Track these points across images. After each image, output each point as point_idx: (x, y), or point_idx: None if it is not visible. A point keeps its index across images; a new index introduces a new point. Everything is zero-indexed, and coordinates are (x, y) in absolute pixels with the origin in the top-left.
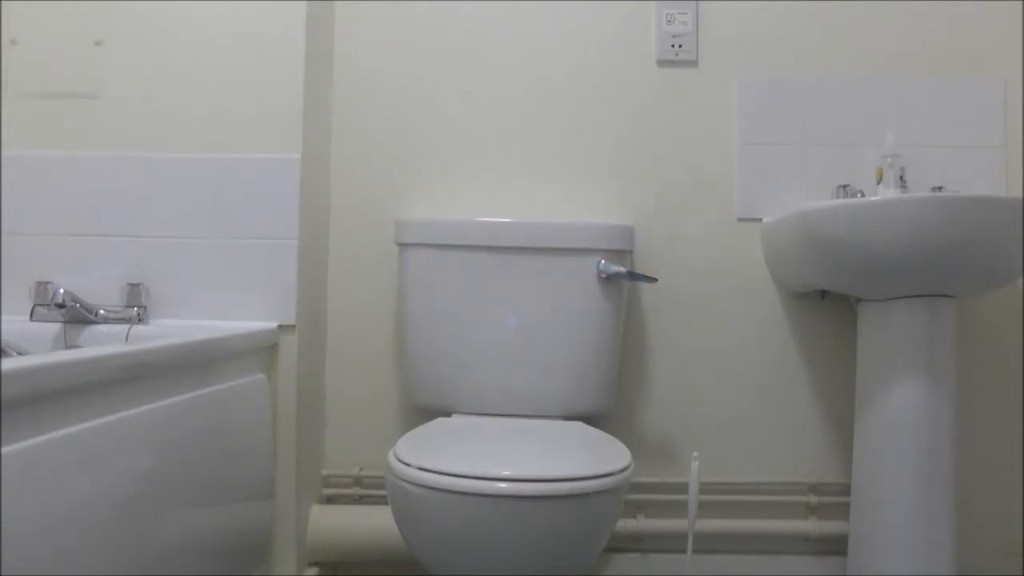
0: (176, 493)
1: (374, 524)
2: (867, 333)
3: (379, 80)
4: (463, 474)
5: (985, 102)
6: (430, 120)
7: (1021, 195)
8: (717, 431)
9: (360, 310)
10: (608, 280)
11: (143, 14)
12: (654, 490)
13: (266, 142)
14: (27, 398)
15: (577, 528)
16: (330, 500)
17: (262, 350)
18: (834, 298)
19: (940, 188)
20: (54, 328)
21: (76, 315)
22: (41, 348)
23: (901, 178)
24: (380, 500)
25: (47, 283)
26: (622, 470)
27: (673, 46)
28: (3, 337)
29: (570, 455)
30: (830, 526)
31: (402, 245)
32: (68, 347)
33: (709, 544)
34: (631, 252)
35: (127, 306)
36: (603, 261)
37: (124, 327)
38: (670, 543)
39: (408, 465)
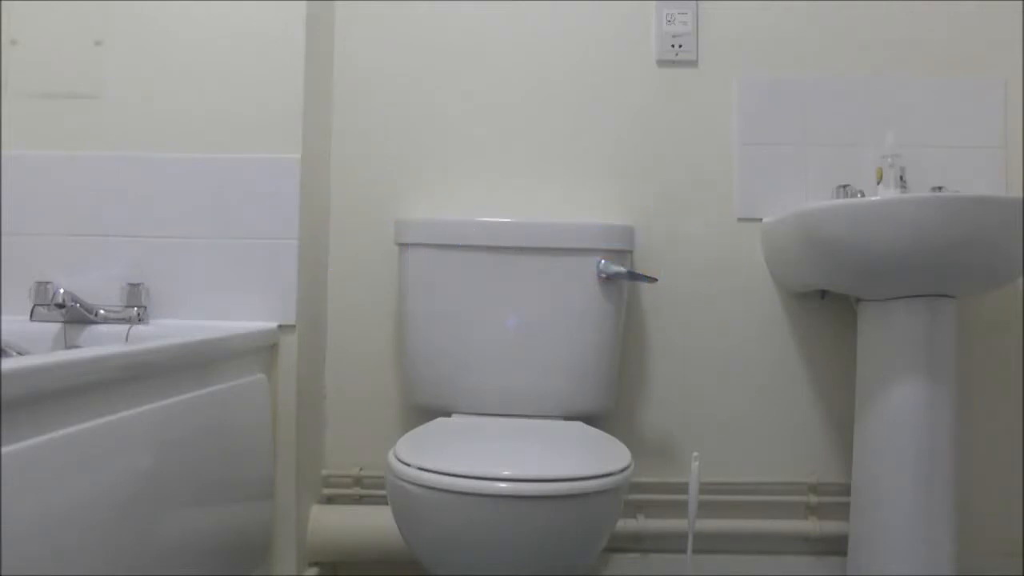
0: (176, 493)
1: (374, 524)
2: (867, 333)
3: (379, 80)
4: (463, 474)
5: (985, 102)
6: (430, 120)
7: (1021, 195)
8: (717, 431)
9: (360, 310)
10: (608, 280)
11: (143, 14)
12: (654, 490)
13: (266, 142)
14: (27, 398)
15: (577, 528)
16: (330, 500)
17: (262, 350)
18: (834, 298)
19: (940, 188)
20: (54, 328)
21: (76, 315)
22: (41, 348)
23: (901, 178)
24: (380, 500)
25: (47, 283)
26: (622, 470)
27: (673, 46)
28: (3, 337)
29: (570, 455)
30: (830, 526)
31: (402, 245)
32: (68, 347)
33: (709, 544)
34: (631, 252)
35: (127, 306)
36: (603, 261)
37: (124, 327)
38: (670, 543)
39: (408, 465)
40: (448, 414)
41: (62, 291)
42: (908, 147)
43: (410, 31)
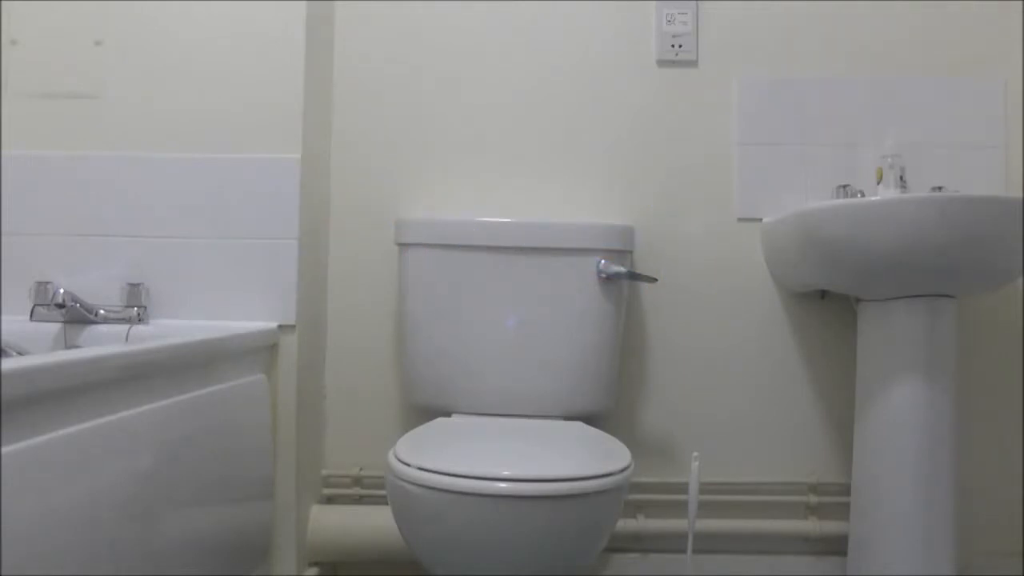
0: (176, 493)
1: (374, 524)
2: (867, 333)
3: (379, 80)
4: (463, 474)
5: (985, 102)
6: (430, 120)
7: (1021, 195)
8: (717, 431)
9: (360, 310)
10: (608, 280)
11: (143, 14)
12: (654, 490)
13: (266, 142)
14: (27, 398)
15: (577, 528)
16: (330, 500)
17: (262, 350)
18: (834, 298)
19: (940, 188)
20: (54, 328)
21: (76, 315)
22: (41, 348)
23: (901, 178)
24: (380, 500)
25: (47, 283)
26: (622, 470)
27: (673, 46)
28: (3, 337)
29: (570, 455)
30: (830, 526)
31: (402, 245)
32: (68, 347)
33: (709, 544)
34: (631, 252)
35: (127, 306)
36: (603, 261)
37: (124, 327)
38: (670, 543)
39: (408, 465)
40: (448, 414)
41: (62, 291)
42: (908, 147)
43: (410, 31)
